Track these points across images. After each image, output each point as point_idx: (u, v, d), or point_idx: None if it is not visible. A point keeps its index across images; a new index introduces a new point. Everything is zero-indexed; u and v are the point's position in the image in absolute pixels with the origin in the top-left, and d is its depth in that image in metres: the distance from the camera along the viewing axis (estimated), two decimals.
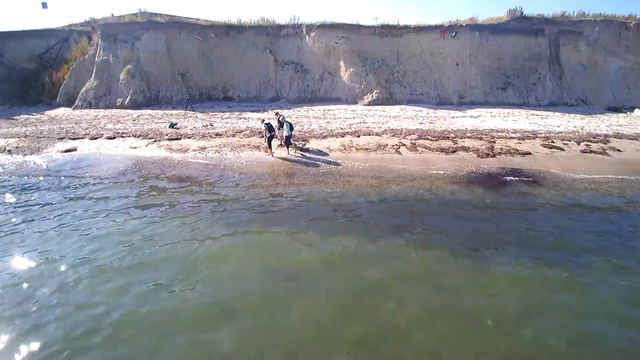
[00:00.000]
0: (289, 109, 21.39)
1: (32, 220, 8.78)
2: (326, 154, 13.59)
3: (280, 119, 13.86)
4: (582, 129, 17.53)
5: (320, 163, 12.77)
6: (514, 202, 9.86)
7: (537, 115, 20.17)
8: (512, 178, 11.63)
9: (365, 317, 5.72)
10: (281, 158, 13.29)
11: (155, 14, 24.86)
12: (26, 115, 21.76)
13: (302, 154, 13.66)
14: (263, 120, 13.64)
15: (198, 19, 25.71)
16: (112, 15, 25.20)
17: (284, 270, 6.84)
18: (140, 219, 8.70)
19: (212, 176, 11.61)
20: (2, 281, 6.53)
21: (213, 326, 5.52)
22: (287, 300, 6.10)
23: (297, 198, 9.98)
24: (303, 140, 14.92)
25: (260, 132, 14.49)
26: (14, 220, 8.82)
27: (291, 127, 13.39)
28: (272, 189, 10.76)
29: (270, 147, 13.42)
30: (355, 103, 22.35)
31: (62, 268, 6.82)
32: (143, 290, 6.22)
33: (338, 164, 12.63)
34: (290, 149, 13.69)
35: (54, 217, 8.89)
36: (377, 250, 7.50)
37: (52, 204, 9.69)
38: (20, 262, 7.07)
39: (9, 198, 10.27)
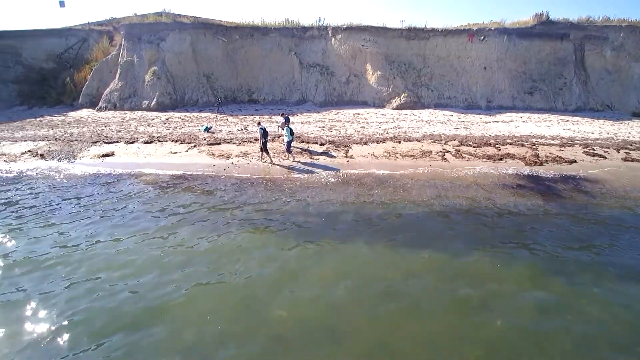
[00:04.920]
0: (318, 112, 21.24)
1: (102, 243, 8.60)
2: (333, 162, 13.46)
3: (284, 120, 13.91)
4: (615, 136, 17.58)
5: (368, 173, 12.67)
6: (584, 215, 9.73)
7: (567, 120, 20.19)
8: (570, 188, 11.55)
9: (479, 337, 5.65)
10: (281, 165, 13.02)
11: (179, 15, 24.54)
12: (49, 117, 21.41)
13: (301, 162, 13.22)
14: (259, 123, 13.40)
15: (222, 20, 25.42)
16: (135, 15, 24.84)
17: (375, 287, 6.72)
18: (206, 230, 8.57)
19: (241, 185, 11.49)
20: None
21: (316, 352, 5.35)
22: (391, 319, 5.99)
23: (352, 211, 9.84)
24: (345, 147, 14.79)
25: (280, 136, 14.28)
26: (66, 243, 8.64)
27: (291, 133, 13.22)
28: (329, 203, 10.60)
29: (267, 152, 13.05)
30: (383, 107, 22.24)
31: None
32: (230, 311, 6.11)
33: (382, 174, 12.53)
34: (290, 155, 13.48)
35: (125, 236, 8.73)
36: (463, 266, 7.40)
37: (118, 221, 9.49)
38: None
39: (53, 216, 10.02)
